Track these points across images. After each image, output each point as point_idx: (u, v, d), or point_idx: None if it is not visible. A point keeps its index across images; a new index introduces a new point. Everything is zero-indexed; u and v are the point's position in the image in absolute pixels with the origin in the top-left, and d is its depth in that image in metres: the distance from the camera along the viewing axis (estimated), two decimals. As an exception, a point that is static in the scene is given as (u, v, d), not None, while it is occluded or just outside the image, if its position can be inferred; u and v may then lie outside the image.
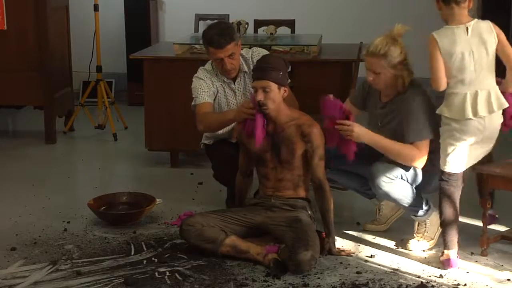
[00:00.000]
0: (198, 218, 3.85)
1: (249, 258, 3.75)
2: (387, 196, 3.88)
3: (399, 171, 3.81)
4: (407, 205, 3.90)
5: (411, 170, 3.84)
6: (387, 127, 3.88)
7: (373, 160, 3.89)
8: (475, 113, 3.56)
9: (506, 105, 3.64)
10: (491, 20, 3.64)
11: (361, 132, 3.72)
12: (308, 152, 3.86)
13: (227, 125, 4.22)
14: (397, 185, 3.80)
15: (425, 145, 3.76)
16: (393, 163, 3.81)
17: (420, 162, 3.78)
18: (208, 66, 4.36)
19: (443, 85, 3.59)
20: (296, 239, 3.64)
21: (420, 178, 3.88)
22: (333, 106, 3.76)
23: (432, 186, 3.90)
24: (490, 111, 3.59)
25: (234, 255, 3.77)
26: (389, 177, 3.78)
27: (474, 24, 3.57)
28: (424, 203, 3.95)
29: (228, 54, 4.16)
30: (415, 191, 3.88)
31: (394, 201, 3.90)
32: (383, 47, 3.71)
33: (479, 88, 3.57)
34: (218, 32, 4.15)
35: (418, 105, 3.76)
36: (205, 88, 4.27)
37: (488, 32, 3.58)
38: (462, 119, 3.57)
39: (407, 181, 3.83)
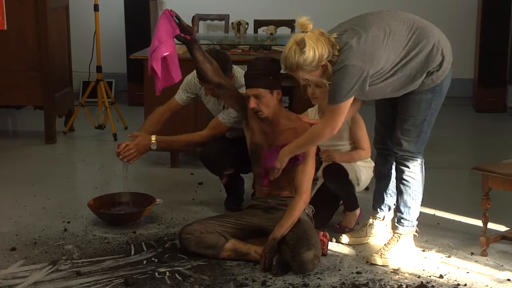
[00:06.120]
0: (196, 226, 3.81)
1: (250, 260, 3.74)
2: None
3: None
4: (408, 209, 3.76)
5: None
6: None
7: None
8: None
9: None
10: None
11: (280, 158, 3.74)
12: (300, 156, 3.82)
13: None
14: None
15: (337, 109, 3.49)
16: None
17: (333, 126, 3.54)
18: None
19: None
20: (297, 239, 3.63)
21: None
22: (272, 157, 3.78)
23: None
24: None
25: (236, 258, 3.76)
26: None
27: None
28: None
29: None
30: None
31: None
32: (293, 60, 3.43)
33: None
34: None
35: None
36: (185, 86, 4.44)
37: None
38: None
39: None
